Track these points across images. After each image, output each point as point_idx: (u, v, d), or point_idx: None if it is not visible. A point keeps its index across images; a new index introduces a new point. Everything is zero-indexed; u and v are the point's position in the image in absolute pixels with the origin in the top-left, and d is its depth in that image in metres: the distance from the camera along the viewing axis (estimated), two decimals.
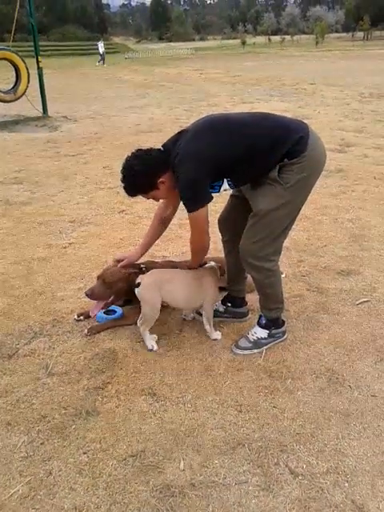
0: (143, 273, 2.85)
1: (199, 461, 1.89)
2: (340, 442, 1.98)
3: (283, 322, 2.62)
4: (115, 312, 2.86)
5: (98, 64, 31.08)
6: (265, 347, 2.53)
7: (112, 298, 2.75)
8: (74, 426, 2.07)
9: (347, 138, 7.60)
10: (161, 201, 2.61)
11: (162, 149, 2.39)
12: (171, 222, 2.84)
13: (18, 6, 10.16)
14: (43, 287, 3.24)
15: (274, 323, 2.56)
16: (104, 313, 2.82)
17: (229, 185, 2.35)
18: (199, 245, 2.47)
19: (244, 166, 2.23)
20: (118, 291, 2.74)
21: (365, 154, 6.66)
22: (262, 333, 2.54)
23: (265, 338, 2.54)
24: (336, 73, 19.90)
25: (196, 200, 2.26)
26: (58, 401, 2.21)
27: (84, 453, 1.94)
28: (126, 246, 3.86)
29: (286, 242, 3.79)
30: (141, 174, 2.29)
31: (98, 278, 2.74)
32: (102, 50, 31.79)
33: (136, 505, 1.71)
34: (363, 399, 2.21)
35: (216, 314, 2.81)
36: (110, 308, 2.85)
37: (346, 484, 1.79)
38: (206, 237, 2.40)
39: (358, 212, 4.51)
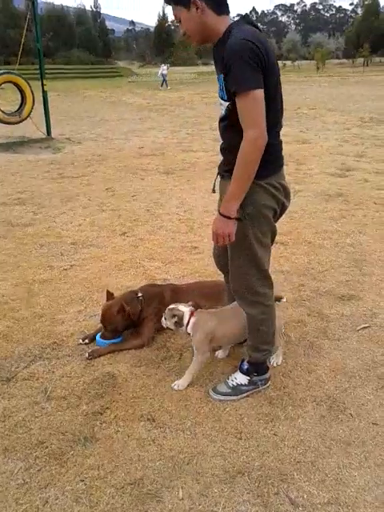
0: (141, 303, 2.86)
1: (198, 489, 1.87)
2: (341, 471, 1.96)
3: (267, 368, 2.45)
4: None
5: (161, 88, 29.46)
6: (243, 395, 2.37)
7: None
8: (72, 452, 2.05)
9: (347, 163, 7.67)
10: None
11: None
12: (171, 245, 2.84)
13: (25, 30, 10.40)
14: (43, 310, 3.24)
15: (257, 369, 2.40)
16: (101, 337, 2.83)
17: (219, 94, 2.04)
18: (260, 142, 1.91)
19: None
20: (124, 327, 2.85)
21: (365, 178, 6.72)
22: (243, 379, 2.40)
23: (245, 385, 2.39)
24: (337, 98, 20.19)
25: (254, 73, 1.85)
26: (56, 426, 2.19)
27: (81, 480, 1.91)
28: (127, 269, 3.87)
29: (287, 267, 3.84)
30: None
31: (101, 322, 2.85)
32: (164, 72, 30.62)
33: None
34: (364, 427, 2.19)
35: None
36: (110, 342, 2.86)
37: None
38: (264, 131, 1.91)
39: (358, 237, 4.52)
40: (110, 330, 2.81)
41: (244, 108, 1.89)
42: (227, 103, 1.99)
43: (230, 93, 1.93)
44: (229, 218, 2.02)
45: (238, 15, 2.00)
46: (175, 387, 2.43)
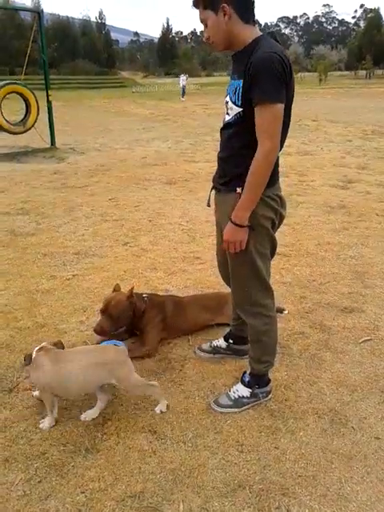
0: (145, 303, 2.87)
1: (199, 503, 1.86)
2: (343, 486, 1.95)
3: (269, 380, 2.45)
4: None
5: (183, 99, 29.00)
6: (245, 407, 2.37)
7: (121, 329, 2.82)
8: (72, 464, 2.04)
9: (350, 175, 7.70)
10: None
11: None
12: (174, 255, 2.84)
13: (30, 42, 10.52)
14: (46, 319, 3.24)
15: (258, 381, 2.40)
16: None
17: (232, 99, 2.03)
18: (273, 154, 1.96)
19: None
20: (125, 321, 2.80)
21: (367, 190, 6.74)
22: (245, 391, 2.39)
23: (246, 397, 2.38)
24: (339, 110, 20.32)
25: (279, 87, 1.89)
26: (57, 437, 2.19)
27: (82, 492, 1.91)
28: (130, 279, 3.88)
29: (289, 278, 3.85)
30: None
31: (103, 312, 2.76)
32: (184, 82, 30.52)
33: None
34: (366, 441, 2.18)
35: (218, 350, 2.81)
36: (111, 342, 2.85)
37: None
38: (278, 144, 1.97)
39: (360, 249, 4.53)
40: (112, 319, 2.72)
41: (265, 119, 1.91)
42: (239, 109, 2.00)
43: (246, 100, 1.94)
44: (241, 226, 2.05)
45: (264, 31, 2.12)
46: (42, 426, 2.24)
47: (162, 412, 2.33)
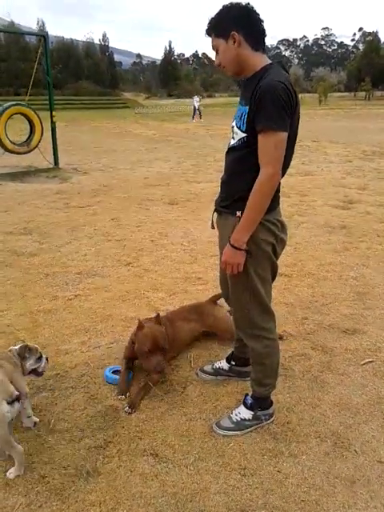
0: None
1: None
2: (346, 511, 1.93)
3: (271, 402, 2.45)
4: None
5: (194, 121, 28.75)
6: (248, 430, 2.36)
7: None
8: (73, 488, 2.03)
9: (350, 195, 7.76)
10: None
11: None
12: (175, 276, 2.86)
13: (36, 64, 10.71)
14: (48, 340, 3.25)
15: (260, 404, 2.40)
16: (112, 373, 2.81)
17: (237, 124, 2.09)
18: (275, 180, 2.01)
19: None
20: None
21: (368, 211, 6.79)
22: (247, 414, 2.39)
23: (249, 420, 2.38)
24: (339, 131, 20.55)
25: (283, 115, 1.93)
26: (58, 460, 2.18)
27: None
28: (132, 299, 3.89)
29: (291, 299, 3.86)
30: (226, 10, 2.06)
31: (153, 350, 2.64)
32: (197, 104, 29.84)
33: None
34: (369, 465, 2.16)
35: (220, 372, 2.81)
36: (116, 368, 2.85)
37: None
38: (280, 170, 2.02)
39: (361, 269, 4.54)
40: (165, 351, 2.71)
41: (267, 146, 1.96)
42: (244, 135, 2.05)
43: (251, 126, 1.99)
44: (239, 249, 2.07)
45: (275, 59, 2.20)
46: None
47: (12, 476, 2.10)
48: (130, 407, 2.52)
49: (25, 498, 1.98)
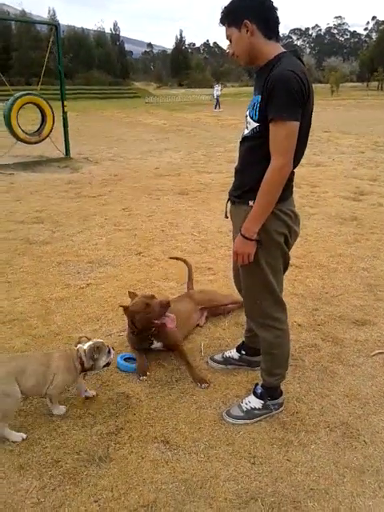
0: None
1: None
2: (355, 500, 1.94)
3: (281, 392, 2.46)
4: (134, 359, 2.86)
5: (216, 110, 27.84)
6: (257, 419, 2.38)
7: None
8: (86, 472, 2.07)
9: (362, 187, 7.70)
10: None
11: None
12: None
13: (47, 53, 10.70)
14: (60, 327, 3.29)
15: (270, 393, 2.41)
16: (124, 360, 2.84)
17: (250, 114, 2.08)
18: (285, 170, 1.99)
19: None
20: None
21: (380, 202, 6.73)
22: (257, 403, 2.40)
23: (258, 409, 2.39)
24: (351, 121, 20.33)
25: (294, 105, 1.92)
26: (71, 445, 2.21)
27: (95, 501, 1.93)
28: (143, 288, 3.91)
29: (301, 290, 3.86)
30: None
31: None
32: (218, 93, 29.00)
33: None
34: (379, 455, 2.18)
35: (230, 361, 2.83)
36: (128, 356, 2.88)
37: None
38: (291, 160, 2.00)
39: (372, 261, 4.52)
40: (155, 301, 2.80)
41: (278, 136, 1.95)
42: (256, 124, 2.04)
43: (263, 115, 1.98)
44: (249, 239, 2.08)
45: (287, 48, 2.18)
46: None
47: None
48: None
49: (38, 481, 2.02)
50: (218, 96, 29.06)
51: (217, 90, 29.44)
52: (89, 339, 2.48)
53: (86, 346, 2.40)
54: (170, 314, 2.77)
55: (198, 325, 3.30)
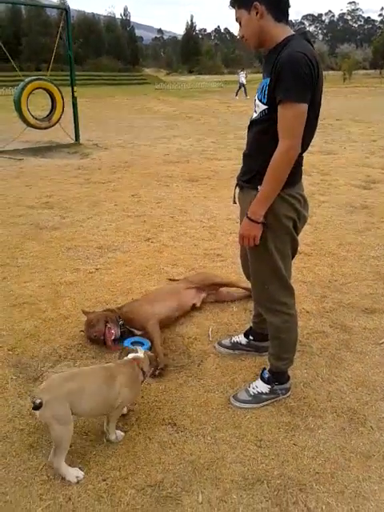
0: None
1: (218, 495, 1.89)
2: (361, 484, 1.96)
3: (288, 377, 2.47)
4: (143, 344, 2.88)
5: (237, 98, 26.86)
6: (264, 403, 2.39)
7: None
8: (94, 452, 2.10)
9: (373, 175, 7.62)
10: None
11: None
12: (195, 252, 2.87)
13: (57, 39, 10.65)
14: (69, 311, 3.31)
15: (278, 378, 2.42)
16: (131, 344, 2.86)
17: (259, 97, 2.06)
18: (292, 153, 1.97)
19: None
20: None
21: None
22: (264, 387, 2.42)
23: (266, 394, 2.41)
24: (363, 109, 20.06)
25: (303, 87, 1.90)
26: (80, 425, 2.24)
27: (103, 480, 1.96)
28: (151, 274, 3.93)
29: (310, 277, 3.85)
30: None
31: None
32: (243, 79, 27.38)
33: None
34: None
35: (238, 346, 2.84)
36: (137, 340, 2.90)
37: None
38: (299, 143, 1.98)
39: (382, 250, 4.49)
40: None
41: (285, 118, 1.94)
42: (265, 107, 2.03)
43: (272, 98, 1.96)
44: (256, 222, 2.07)
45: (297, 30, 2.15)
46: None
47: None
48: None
49: (48, 459, 2.05)
50: (243, 83, 27.55)
51: (242, 76, 27.89)
52: (127, 351, 2.31)
53: (142, 355, 2.25)
54: (112, 328, 2.89)
55: (194, 305, 3.29)
